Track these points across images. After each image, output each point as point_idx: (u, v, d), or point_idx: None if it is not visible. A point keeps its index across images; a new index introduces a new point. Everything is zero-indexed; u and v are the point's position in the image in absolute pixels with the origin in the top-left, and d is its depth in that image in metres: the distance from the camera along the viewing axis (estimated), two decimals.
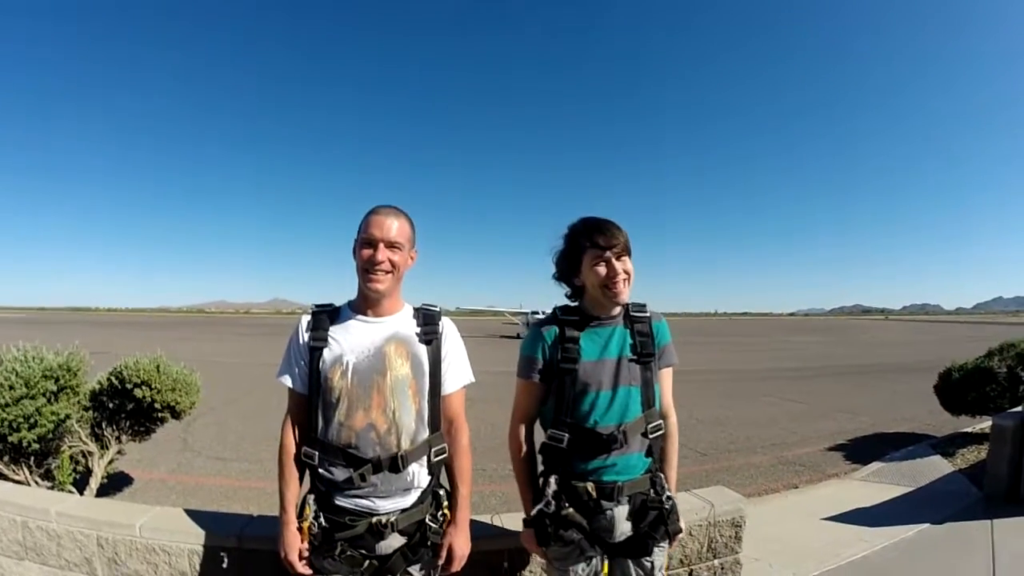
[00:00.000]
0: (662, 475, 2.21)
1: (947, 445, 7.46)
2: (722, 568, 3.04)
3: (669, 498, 2.16)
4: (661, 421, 2.19)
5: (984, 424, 7.61)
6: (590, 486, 2.09)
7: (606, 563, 2.23)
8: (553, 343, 2.15)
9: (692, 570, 2.99)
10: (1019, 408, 5.84)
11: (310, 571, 2.01)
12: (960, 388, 8.13)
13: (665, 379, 2.26)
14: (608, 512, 2.11)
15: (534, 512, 2.17)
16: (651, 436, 2.14)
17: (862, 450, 8.34)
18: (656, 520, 2.13)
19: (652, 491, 2.15)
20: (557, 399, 2.14)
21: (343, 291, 2.19)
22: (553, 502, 2.12)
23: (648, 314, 2.21)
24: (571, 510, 2.10)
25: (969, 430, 7.99)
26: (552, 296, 2.32)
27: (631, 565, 2.18)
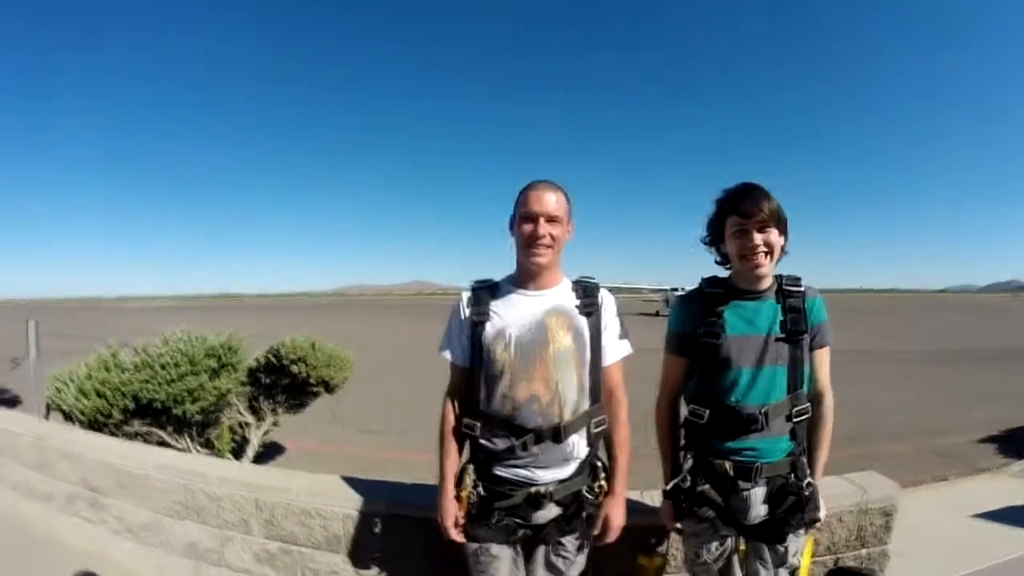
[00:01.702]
0: (804, 460, 2.11)
1: None
2: (869, 559, 2.87)
3: (809, 484, 2.08)
4: (808, 405, 2.09)
5: None
6: (728, 464, 2.04)
7: (743, 544, 2.18)
8: (697, 317, 2.10)
9: (839, 558, 2.83)
10: None
11: (463, 538, 2.08)
12: None
13: (820, 359, 2.15)
14: (744, 492, 2.05)
15: (670, 486, 2.16)
16: (795, 420, 2.05)
17: (1017, 443, 7.61)
18: (793, 506, 2.05)
19: (792, 476, 2.07)
20: (700, 374, 2.10)
21: (483, 271, 2.23)
22: (689, 478, 2.11)
23: (803, 289, 2.08)
24: (707, 487, 2.08)
25: None
26: (694, 272, 2.22)
27: (765, 549, 2.11)
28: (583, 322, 2.04)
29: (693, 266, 2.28)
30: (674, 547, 2.65)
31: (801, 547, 2.20)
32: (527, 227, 1.98)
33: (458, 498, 2.06)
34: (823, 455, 2.19)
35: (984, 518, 4.57)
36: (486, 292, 2.09)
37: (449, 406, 2.13)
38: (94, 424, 4.76)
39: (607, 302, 2.12)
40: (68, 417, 4.88)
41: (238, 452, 5.63)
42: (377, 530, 2.78)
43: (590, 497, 2.07)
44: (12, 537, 3.95)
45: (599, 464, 2.15)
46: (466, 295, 2.12)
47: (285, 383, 5.95)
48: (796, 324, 2.03)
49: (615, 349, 2.12)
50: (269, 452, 6.98)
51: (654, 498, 2.64)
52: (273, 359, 5.84)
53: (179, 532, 3.33)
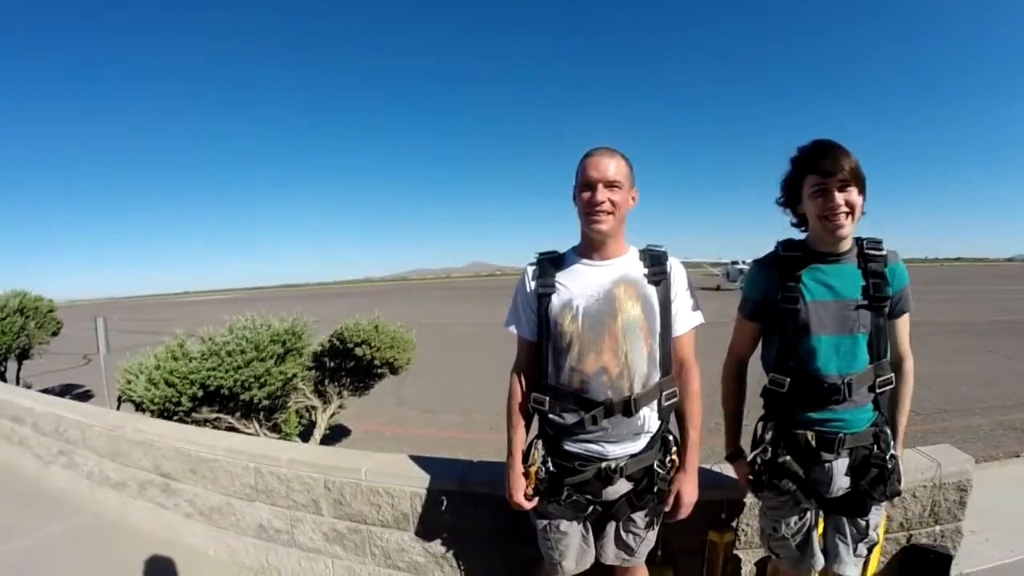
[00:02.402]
0: (888, 431, 2.06)
1: None
2: (942, 536, 2.79)
3: (893, 456, 2.01)
4: (892, 375, 2.02)
5: None
6: (810, 435, 2.00)
7: (822, 519, 2.14)
8: (774, 281, 2.05)
9: (911, 535, 2.76)
10: None
11: (534, 506, 2.09)
12: None
13: (901, 325, 2.08)
14: (827, 464, 2.01)
15: (750, 457, 2.14)
16: (879, 390, 1.99)
17: None
18: (877, 478, 1.99)
19: (876, 447, 2.01)
20: (779, 342, 2.05)
21: (540, 248, 2.20)
22: (770, 449, 2.08)
23: (884, 253, 2.00)
24: (788, 458, 2.04)
25: None
26: (755, 246, 2.11)
27: (846, 523, 2.08)
28: (652, 291, 2.00)
29: (752, 241, 2.17)
30: (744, 522, 2.64)
31: (880, 522, 2.17)
32: (586, 194, 1.95)
33: (526, 474, 2.06)
34: (904, 419, 2.15)
35: None
36: (551, 264, 2.07)
37: (517, 381, 2.13)
38: (164, 412, 4.96)
39: (676, 270, 2.07)
40: (139, 407, 5.11)
41: (305, 435, 5.79)
42: (444, 507, 2.84)
43: (661, 472, 2.05)
44: (89, 524, 4.16)
45: (671, 438, 2.13)
46: (531, 268, 2.10)
47: (350, 366, 6.10)
48: (879, 290, 1.96)
49: (686, 319, 2.07)
50: (336, 435, 7.16)
51: (725, 472, 2.62)
52: (337, 342, 5.96)
53: (250, 514, 3.45)
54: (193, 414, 5.04)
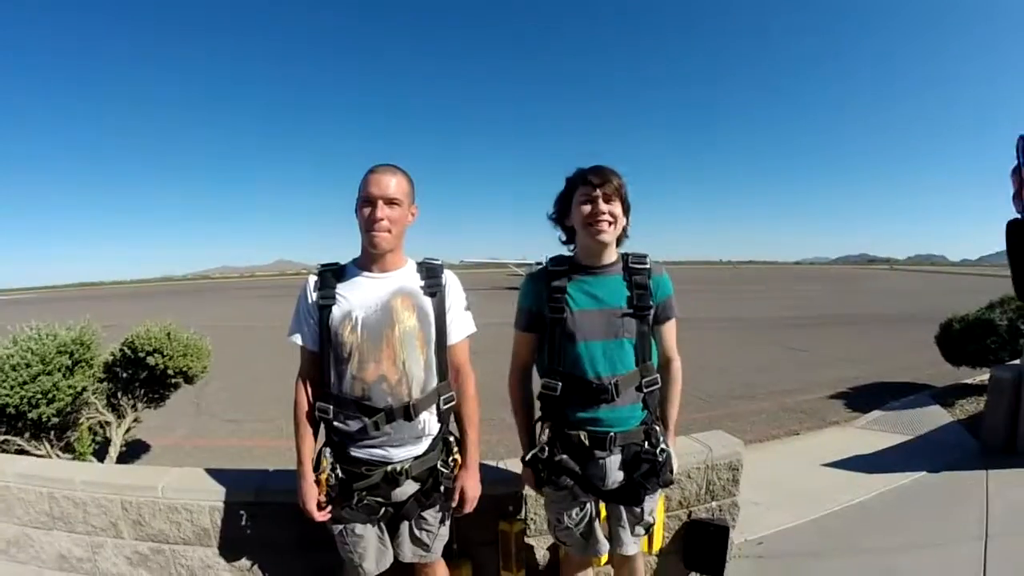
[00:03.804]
0: (658, 428, 2.24)
1: (947, 395, 7.54)
2: (720, 510, 3.15)
3: (663, 451, 2.18)
4: (657, 376, 2.20)
5: (984, 376, 7.67)
6: (583, 435, 2.14)
7: (603, 508, 2.31)
8: (542, 293, 2.17)
9: (691, 511, 3.09)
10: (1018, 361, 5.88)
11: (327, 519, 2.11)
12: (961, 339, 8.21)
13: (667, 331, 2.27)
14: (601, 461, 2.16)
15: (528, 457, 2.25)
16: (646, 390, 2.16)
17: (863, 398, 8.46)
18: (649, 471, 2.16)
19: (647, 443, 2.18)
20: (549, 348, 2.18)
21: (348, 250, 2.24)
22: (547, 448, 2.20)
23: (648, 266, 2.18)
24: (564, 457, 2.16)
25: (969, 381, 8.06)
26: (558, 248, 2.33)
27: (623, 511, 2.25)
28: (428, 302, 2.10)
29: (550, 242, 2.36)
30: (532, 511, 2.81)
31: (655, 505, 2.37)
32: (366, 210, 2.01)
33: (317, 481, 2.08)
34: (674, 413, 2.34)
35: (833, 467, 5.08)
36: (332, 276, 2.11)
37: (302, 390, 2.13)
38: None
39: (451, 282, 2.19)
40: None
41: (101, 453, 5.32)
42: (244, 520, 2.75)
43: (445, 471, 2.15)
44: None
45: (451, 439, 2.24)
46: (312, 279, 2.13)
47: (143, 376, 5.63)
48: (642, 299, 2.13)
49: (460, 327, 2.20)
50: (134, 451, 6.65)
51: (509, 467, 2.78)
52: (128, 351, 5.50)
53: (48, 544, 3.13)
54: None
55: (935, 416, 6.73)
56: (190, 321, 6.40)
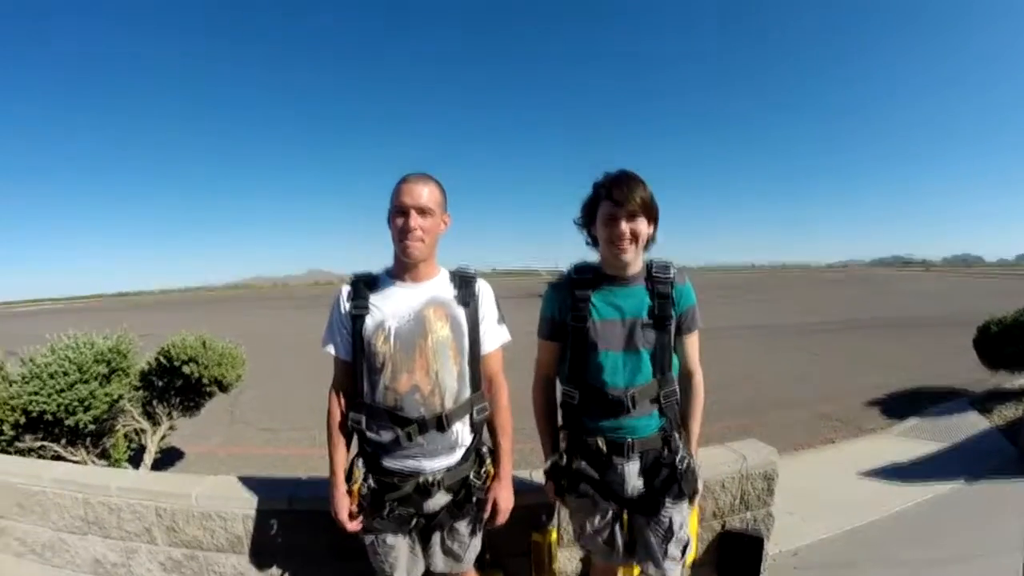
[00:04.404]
0: (677, 436, 2.20)
1: (985, 401, 7.35)
2: (755, 520, 3.09)
3: (684, 459, 2.15)
4: (675, 387, 2.16)
5: (1023, 380, 7.48)
6: (600, 440, 2.11)
7: (625, 516, 2.26)
8: (564, 302, 2.16)
9: (725, 522, 3.04)
10: None
11: (359, 528, 2.11)
12: (998, 342, 7.90)
13: (689, 342, 2.22)
14: (619, 467, 2.13)
15: (547, 465, 2.24)
16: (663, 402, 2.13)
17: (899, 405, 8.24)
18: (668, 479, 2.13)
19: (666, 450, 2.15)
20: (571, 357, 2.16)
21: (380, 258, 2.24)
22: (565, 456, 2.19)
23: (671, 276, 2.14)
24: (583, 464, 2.15)
25: (1008, 386, 7.85)
26: (591, 254, 2.30)
27: (648, 521, 2.20)
28: (461, 312, 2.09)
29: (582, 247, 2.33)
30: (565, 521, 2.78)
31: (685, 519, 2.28)
32: (399, 220, 2.01)
33: (349, 492, 2.09)
34: (695, 428, 2.29)
35: (869, 476, 4.97)
36: (365, 285, 2.11)
37: (335, 400, 2.14)
38: None
39: (484, 292, 2.18)
40: None
41: (136, 460, 5.42)
42: (276, 528, 2.78)
43: (477, 482, 2.13)
44: None
45: (484, 450, 2.22)
46: (345, 289, 2.13)
47: (179, 385, 5.75)
48: (663, 310, 2.09)
49: (493, 337, 2.18)
50: (168, 458, 6.75)
51: (542, 477, 2.76)
52: (164, 360, 5.60)
53: (84, 548, 3.20)
54: (16, 443, 4.53)
55: (973, 423, 6.57)
56: (225, 330, 6.47)
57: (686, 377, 2.24)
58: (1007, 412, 6.71)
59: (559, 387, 2.27)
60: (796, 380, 10.76)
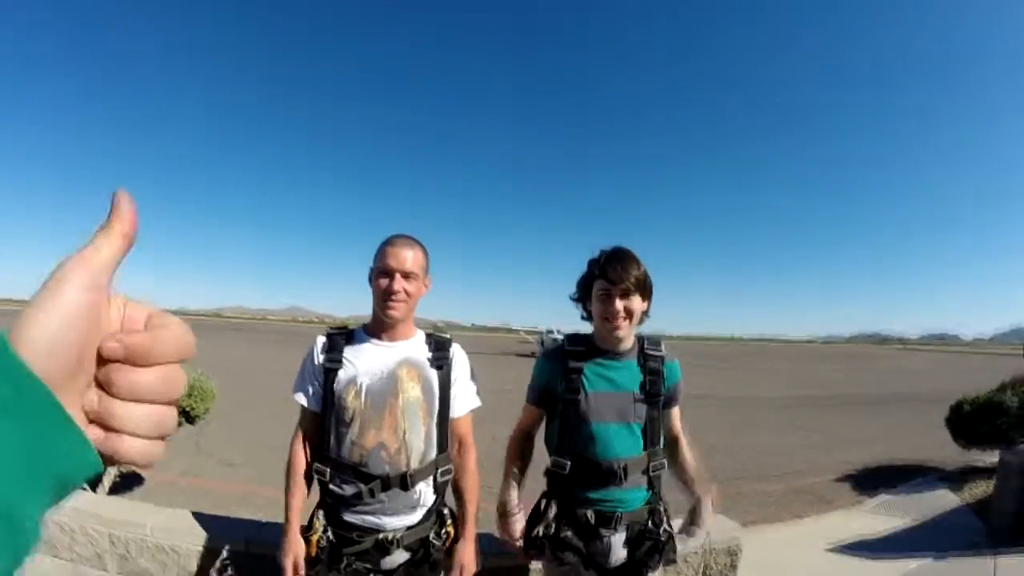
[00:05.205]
0: (662, 508, 2.23)
1: (956, 478, 7.37)
2: None
3: (666, 531, 2.19)
4: (664, 460, 2.22)
5: (994, 458, 7.49)
6: (590, 513, 2.13)
7: None
8: (558, 372, 2.19)
9: None
10: None
11: None
12: (971, 421, 7.92)
13: (674, 413, 2.31)
14: (605, 539, 2.15)
15: (533, 533, 2.23)
16: (652, 473, 2.18)
17: (871, 481, 8.25)
18: (651, 549, 2.16)
19: (650, 522, 2.18)
20: (561, 427, 2.19)
21: (360, 303, 2.27)
22: (553, 524, 2.19)
23: (662, 353, 2.21)
24: (569, 533, 2.15)
25: (979, 463, 7.88)
26: (569, 316, 2.34)
27: None
28: (433, 374, 2.12)
29: (562, 309, 2.39)
30: None
31: None
32: (383, 281, 2.05)
33: (308, 542, 2.06)
34: (692, 469, 2.33)
35: (837, 551, 4.93)
36: (341, 339, 2.13)
37: (299, 447, 2.13)
38: None
39: (458, 357, 2.21)
40: None
41: (93, 482, 5.30)
42: (230, 571, 2.72)
43: (437, 543, 2.12)
44: None
45: (446, 511, 2.21)
46: (321, 340, 2.15)
47: None
48: (655, 386, 2.16)
49: (465, 402, 2.20)
50: (127, 483, 6.60)
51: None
52: None
53: (30, 565, 3.11)
54: None
55: (943, 499, 6.58)
56: (202, 358, 6.38)
57: (673, 441, 2.32)
58: (977, 489, 6.73)
59: (546, 456, 2.28)
60: (771, 453, 10.72)
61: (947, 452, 9.03)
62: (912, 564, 4.55)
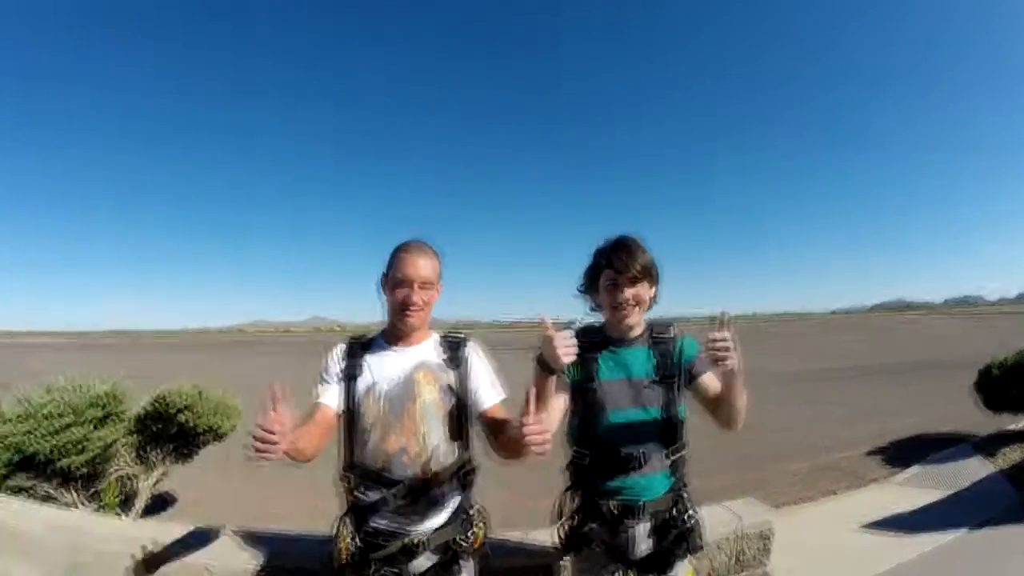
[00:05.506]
0: (686, 494, 2.21)
1: (988, 445, 7.21)
2: None
3: (691, 516, 2.17)
4: (683, 443, 2.19)
5: None
6: (613, 504, 2.12)
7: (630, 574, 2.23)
8: (571, 364, 2.10)
9: None
10: None
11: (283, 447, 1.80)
12: (1001, 385, 7.82)
13: (709, 379, 2.14)
14: (630, 529, 2.13)
15: (557, 526, 2.24)
16: (673, 457, 2.16)
17: (902, 453, 8.12)
18: (677, 538, 2.14)
19: (674, 510, 2.17)
20: (580, 418, 2.18)
21: (377, 307, 2.26)
22: (577, 517, 2.20)
23: (672, 335, 2.21)
24: (593, 526, 2.15)
25: (1011, 428, 7.73)
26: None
27: None
28: (450, 375, 2.12)
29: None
30: None
31: (685, 573, 2.27)
32: (401, 292, 2.06)
33: (337, 549, 2.07)
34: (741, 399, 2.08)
35: (871, 528, 4.86)
36: (359, 347, 2.15)
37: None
38: None
39: (474, 354, 2.21)
40: None
41: (127, 504, 5.39)
42: None
43: (464, 544, 2.11)
44: None
45: (472, 512, 2.19)
46: (340, 347, 2.16)
47: (173, 431, 5.79)
48: (666, 368, 2.15)
49: (489, 393, 2.16)
50: (159, 504, 6.70)
51: (536, 538, 2.71)
52: (160, 407, 5.62)
53: None
54: (7, 481, 4.52)
55: (977, 468, 6.44)
56: (226, 374, 6.42)
57: (717, 401, 2.12)
58: (1012, 455, 6.61)
59: (567, 448, 2.27)
60: (797, 430, 10.63)
61: (977, 419, 8.91)
62: (948, 537, 4.47)
